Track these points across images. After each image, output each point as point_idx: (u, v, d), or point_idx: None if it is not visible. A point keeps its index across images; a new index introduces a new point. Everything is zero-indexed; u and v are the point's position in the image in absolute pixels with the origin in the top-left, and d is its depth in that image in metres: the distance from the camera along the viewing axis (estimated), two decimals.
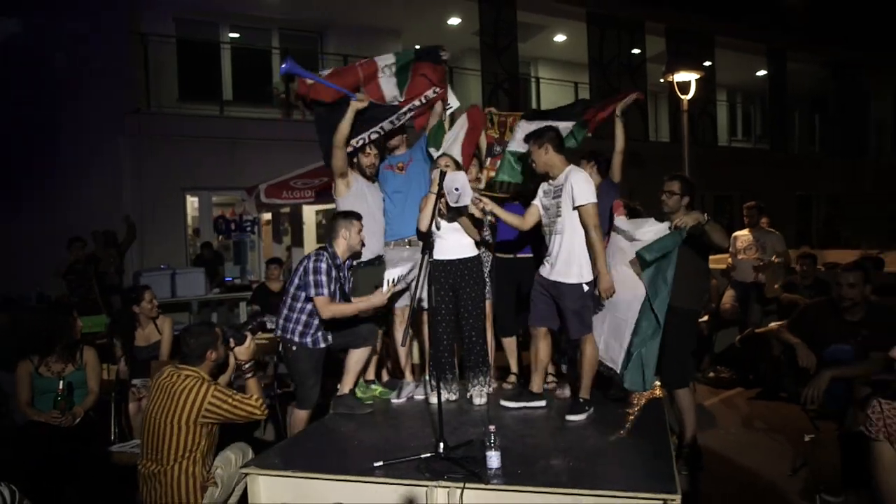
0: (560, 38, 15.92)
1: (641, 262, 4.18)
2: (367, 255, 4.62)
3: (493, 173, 4.90)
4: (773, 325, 6.58)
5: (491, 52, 13.83)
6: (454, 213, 4.35)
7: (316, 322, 4.21)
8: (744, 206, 7.85)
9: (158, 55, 11.55)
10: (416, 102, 4.83)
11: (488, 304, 4.79)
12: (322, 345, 4.25)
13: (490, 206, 4.22)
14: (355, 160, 4.73)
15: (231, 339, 3.70)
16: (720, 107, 18.79)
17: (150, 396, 3.49)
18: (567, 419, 3.94)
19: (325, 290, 4.09)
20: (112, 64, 10.58)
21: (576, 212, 3.95)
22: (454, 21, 14.43)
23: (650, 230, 4.27)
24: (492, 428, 3.19)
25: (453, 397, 4.49)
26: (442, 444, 3.30)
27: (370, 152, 4.70)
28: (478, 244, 4.57)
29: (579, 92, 15.43)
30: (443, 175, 4.06)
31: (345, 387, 4.42)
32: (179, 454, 3.36)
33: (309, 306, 4.19)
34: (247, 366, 3.71)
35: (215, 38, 12.91)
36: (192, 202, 11.86)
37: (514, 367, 5.02)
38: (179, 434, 3.34)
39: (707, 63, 16.84)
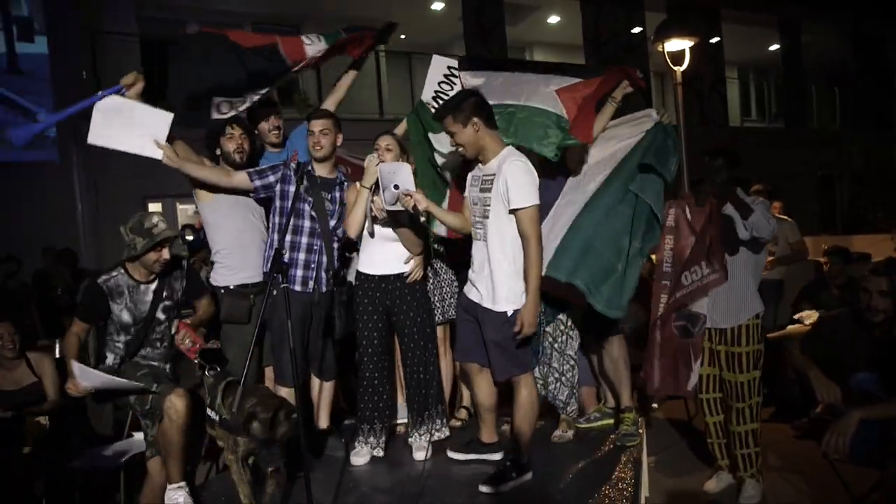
0: (554, 19, 14.94)
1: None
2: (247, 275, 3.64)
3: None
4: (791, 328, 5.58)
5: (476, 36, 12.90)
6: (390, 218, 3.31)
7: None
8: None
9: (118, 55, 10.78)
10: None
11: (442, 328, 3.84)
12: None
13: (423, 203, 3.10)
14: (217, 152, 3.67)
15: None
16: (731, 85, 17.65)
17: None
18: (481, 489, 2.96)
19: (253, 172, 3.51)
20: (61, 65, 9.79)
21: (510, 215, 2.91)
22: (438, 6, 13.54)
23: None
24: None
25: (380, 454, 3.50)
26: None
27: (233, 133, 3.60)
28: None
29: None
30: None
31: None
32: None
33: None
34: None
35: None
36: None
37: (465, 400, 4.09)
38: None
39: (715, 39, 15.78)
